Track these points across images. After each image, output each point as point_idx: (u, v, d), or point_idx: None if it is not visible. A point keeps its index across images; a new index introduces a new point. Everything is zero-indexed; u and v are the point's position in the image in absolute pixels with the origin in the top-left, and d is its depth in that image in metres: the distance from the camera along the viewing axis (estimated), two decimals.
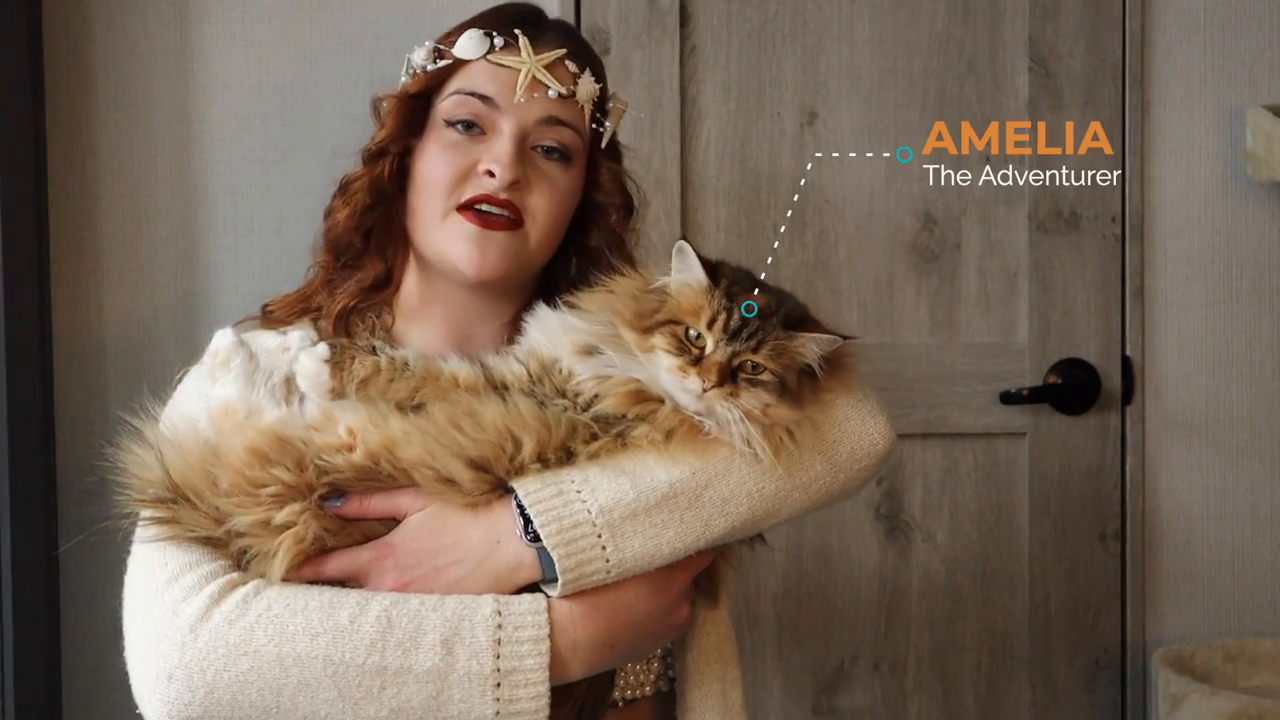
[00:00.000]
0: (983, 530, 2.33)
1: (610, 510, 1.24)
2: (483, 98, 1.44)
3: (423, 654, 1.21)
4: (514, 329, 1.50)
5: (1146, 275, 2.34)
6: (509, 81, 1.44)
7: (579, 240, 1.53)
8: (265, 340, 1.43)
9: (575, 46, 1.50)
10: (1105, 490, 2.34)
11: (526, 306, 1.51)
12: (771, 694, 2.29)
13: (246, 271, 2.09)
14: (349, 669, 1.20)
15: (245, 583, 1.23)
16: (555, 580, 1.24)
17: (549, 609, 1.24)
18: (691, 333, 1.29)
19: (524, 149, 1.44)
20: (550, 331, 1.34)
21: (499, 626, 1.22)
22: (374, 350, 1.30)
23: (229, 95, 2.11)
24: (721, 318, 1.29)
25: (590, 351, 1.30)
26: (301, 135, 2.09)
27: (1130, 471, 2.34)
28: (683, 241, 1.33)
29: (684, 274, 1.33)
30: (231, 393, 1.31)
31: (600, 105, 1.50)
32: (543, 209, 1.45)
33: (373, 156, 1.49)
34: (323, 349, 1.29)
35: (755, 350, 1.28)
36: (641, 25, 2.21)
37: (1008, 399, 2.29)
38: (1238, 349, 2.38)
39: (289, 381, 1.32)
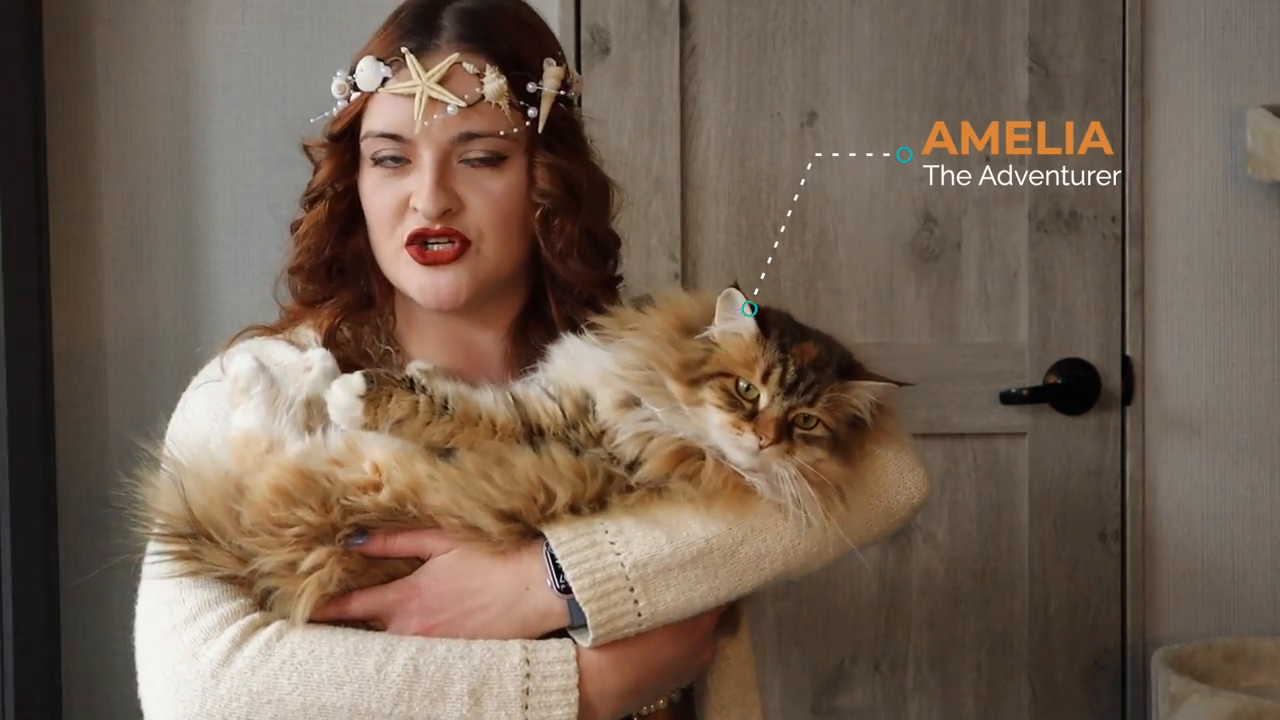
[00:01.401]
0: (983, 530, 2.33)
1: (644, 565, 1.22)
2: (390, 137, 1.37)
3: (450, 705, 1.18)
4: (516, 331, 1.48)
5: (1146, 275, 2.34)
6: (410, 111, 1.36)
7: (548, 236, 1.43)
8: (278, 353, 1.41)
9: (470, 42, 1.37)
10: (1105, 490, 2.34)
11: (527, 306, 1.49)
12: (771, 694, 2.29)
13: (246, 271, 2.09)
14: (375, 719, 1.18)
15: (267, 624, 1.20)
16: (584, 626, 1.22)
17: (577, 657, 1.22)
18: (742, 385, 1.23)
19: (448, 170, 1.37)
20: (584, 372, 1.29)
21: (527, 676, 1.20)
22: (412, 386, 1.25)
23: (229, 95, 2.11)
24: (777, 370, 1.22)
25: (630, 404, 1.25)
26: (301, 135, 2.09)
27: (1130, 471, 2.34)
28: (732, 289, 1.26)
29: (732, 323, 1.26)
30: (253, 421, 1.27)
31: (519, 93, 1.38)
32: (486, 221, 1.37)
33: (310, 201, 1.46)
34: (358, 382, 1.23)
35: (811, 404, 1.22)
36: (641, 25, 2.21)
37: (1008, 399, 2.29)
38: (1238, 349, 2.38)
39: (310, 404, 1.29)
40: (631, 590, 1.22)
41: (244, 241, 2.11)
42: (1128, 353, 2.34)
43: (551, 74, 1.40)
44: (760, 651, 2.28)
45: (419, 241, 1.37)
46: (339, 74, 1.43)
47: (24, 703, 1.97)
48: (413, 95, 1.35)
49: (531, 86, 1.39)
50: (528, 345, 1.43)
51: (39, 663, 2.01)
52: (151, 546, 1.26)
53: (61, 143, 2.07)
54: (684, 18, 2.23)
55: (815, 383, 1.23)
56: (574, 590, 1.21)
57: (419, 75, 1.36)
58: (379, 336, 1.46)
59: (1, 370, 1.93)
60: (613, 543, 1.23)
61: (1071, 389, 2.31)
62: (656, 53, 2.22)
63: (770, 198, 2.27)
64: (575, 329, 1.37)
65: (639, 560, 1.22)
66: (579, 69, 2.20)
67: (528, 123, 1.39)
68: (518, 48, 1.40)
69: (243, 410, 1.28)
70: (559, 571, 1.22)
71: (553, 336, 1.40)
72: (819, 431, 1.24)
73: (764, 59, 2.26)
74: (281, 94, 2.11)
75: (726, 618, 1.38)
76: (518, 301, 1.48)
